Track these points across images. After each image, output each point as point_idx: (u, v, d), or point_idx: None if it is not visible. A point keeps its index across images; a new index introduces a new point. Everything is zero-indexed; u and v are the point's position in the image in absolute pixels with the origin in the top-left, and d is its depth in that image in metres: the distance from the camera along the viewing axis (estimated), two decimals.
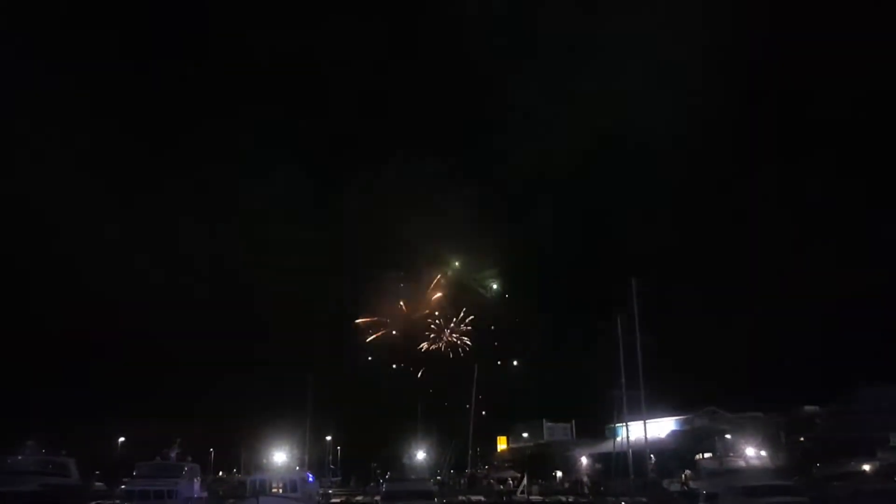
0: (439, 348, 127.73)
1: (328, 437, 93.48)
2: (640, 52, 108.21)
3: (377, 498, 49.24)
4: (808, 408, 67.92)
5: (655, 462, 61.60)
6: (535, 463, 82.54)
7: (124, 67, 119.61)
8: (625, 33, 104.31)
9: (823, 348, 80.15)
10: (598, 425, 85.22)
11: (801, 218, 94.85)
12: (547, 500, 59.33)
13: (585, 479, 69.96)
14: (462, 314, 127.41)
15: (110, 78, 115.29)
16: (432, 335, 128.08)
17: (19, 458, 35.99)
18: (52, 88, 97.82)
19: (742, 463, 40.55)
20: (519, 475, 71.72)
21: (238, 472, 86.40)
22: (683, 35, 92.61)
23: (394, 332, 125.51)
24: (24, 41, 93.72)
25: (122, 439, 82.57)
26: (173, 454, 41.82)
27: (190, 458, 43.66)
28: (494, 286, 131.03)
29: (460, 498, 60.46)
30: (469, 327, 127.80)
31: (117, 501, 42.47)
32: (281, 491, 41.55)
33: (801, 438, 61.68)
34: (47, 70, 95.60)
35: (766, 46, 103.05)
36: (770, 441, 57.32)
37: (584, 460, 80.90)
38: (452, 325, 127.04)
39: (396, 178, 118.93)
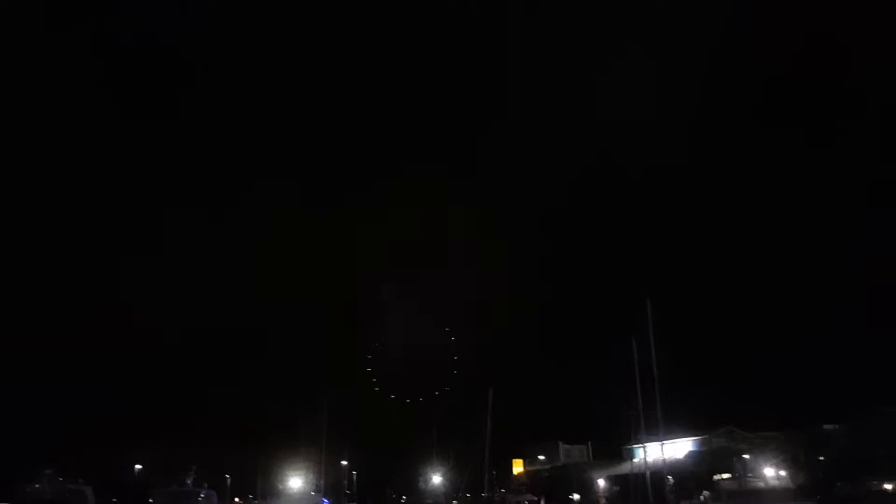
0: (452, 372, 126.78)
1: (344, 462, 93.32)
2: (643, 55, 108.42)
3: None
4: (827, 426, 67.13)
5: (674, 483, 61.02)
6: (551, 485, 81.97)
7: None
8: (622, 31, 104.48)
9: (843, 365, 79.42)
10: (614, 447, 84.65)
11: (819, 230, 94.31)
12: None
13: (603, 501, 69.41)
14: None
15: (120, 79, 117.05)
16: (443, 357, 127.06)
17: (37, 486, 36.10)
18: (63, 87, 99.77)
19: (761, 483, 40.20)
20: (535, 498, 71.21)
21: (255, 497, 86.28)
22: (685, 38, 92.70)
23: (404, 354, 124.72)
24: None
25: (138, 466, 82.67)
26: (189, 481, 41.89)
27: (206, 485, 43.78)
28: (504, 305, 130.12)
29: None
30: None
31: None
32: None
33: (821, 457, 60.92)
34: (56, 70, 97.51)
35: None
36: (789, 460, 56.69)
37: (601, 482, 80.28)
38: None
39: (393, 196, 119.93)
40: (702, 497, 52.09)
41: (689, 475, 63.73)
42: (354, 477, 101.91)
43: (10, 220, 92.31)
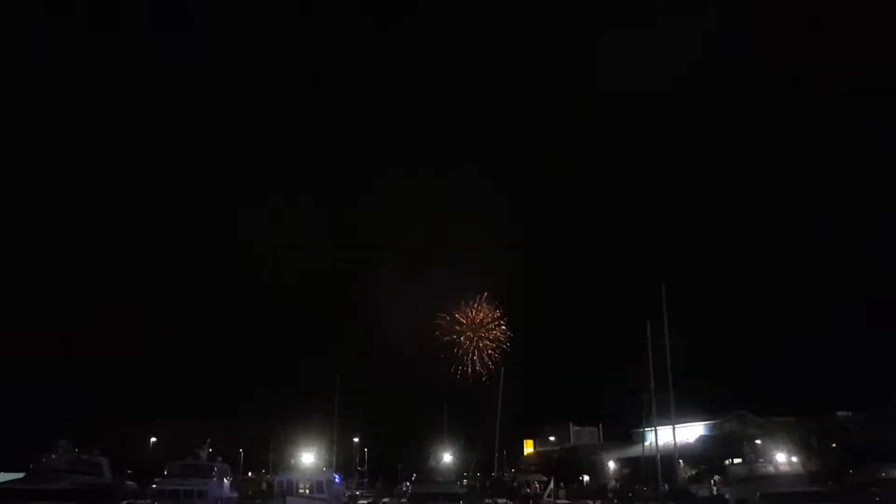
0: (466, 352, 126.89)
1: (356, 439, 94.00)
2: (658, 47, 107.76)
3: (403, 500, 49.36)
4: (840, 412, 66.73)
5: (684, 467, 60.93)
6: (562, 467, 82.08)
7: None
8: (639, 22, 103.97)
9: (856, 351, 78.98)
10: (625, 429, 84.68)
11: (831, 217, 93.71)
12: None
13: (613, 483, 69.51)
14: (488, 316, 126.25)
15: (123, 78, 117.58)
16: (459, 337, 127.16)
17: (53, 456, 36.42)
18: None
19: (772, 469, 39.86)
20: (546, 479, 71.42)
21: (267, 472, 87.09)
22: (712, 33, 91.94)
23: (419, 333, 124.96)
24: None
25: (153, 439, 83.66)
26: (204, 454, 42.18)
27: (220, 459, 44.06)
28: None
29: (486, 501, 60.34)
30: (495, 330, 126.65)
31: (149, 500, 42.96)
32: (308, 492, 41.78)
33: (834, 444, 60.62)
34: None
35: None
36: (801, 446, 56.42)
37: (611, 465, 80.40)
38: (478, 326, 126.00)
39: (409, 179, 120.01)
40: (712, 481, 51.89)
41: (700, 459, 63.63)
42: (366, 454, 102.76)
43: (9, 219, 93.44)
